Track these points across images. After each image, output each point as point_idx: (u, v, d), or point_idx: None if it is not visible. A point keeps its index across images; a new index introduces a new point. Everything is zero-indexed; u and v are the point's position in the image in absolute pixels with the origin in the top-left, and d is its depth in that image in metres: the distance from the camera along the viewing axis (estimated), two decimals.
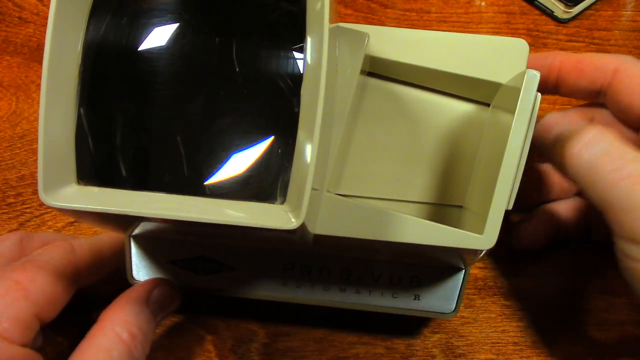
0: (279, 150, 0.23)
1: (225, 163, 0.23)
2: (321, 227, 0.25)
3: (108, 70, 0.23)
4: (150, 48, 0.23)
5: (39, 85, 0.42)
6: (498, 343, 0.35)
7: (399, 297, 0.30)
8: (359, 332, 0.35)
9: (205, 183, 0.23)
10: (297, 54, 0.23)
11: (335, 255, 0.30)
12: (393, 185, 0.30)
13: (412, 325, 0.35)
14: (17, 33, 0.42)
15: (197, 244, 0.30)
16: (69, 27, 0.22)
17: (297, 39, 0.23)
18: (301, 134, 0.22)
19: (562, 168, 0.26)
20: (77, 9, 0.22)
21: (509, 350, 0.34)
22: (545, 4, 0.45)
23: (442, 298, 0.30)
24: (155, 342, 0.34)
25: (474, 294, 0.36)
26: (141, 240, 0.30)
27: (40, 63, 0.42)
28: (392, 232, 0.25)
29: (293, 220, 0.20)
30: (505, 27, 0.44)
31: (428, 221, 0.25)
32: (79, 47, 0.23)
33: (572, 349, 0.34)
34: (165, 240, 0.30)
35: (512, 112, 0.25)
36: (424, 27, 0.44)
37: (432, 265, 0.30)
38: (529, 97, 0.24)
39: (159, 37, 0.23)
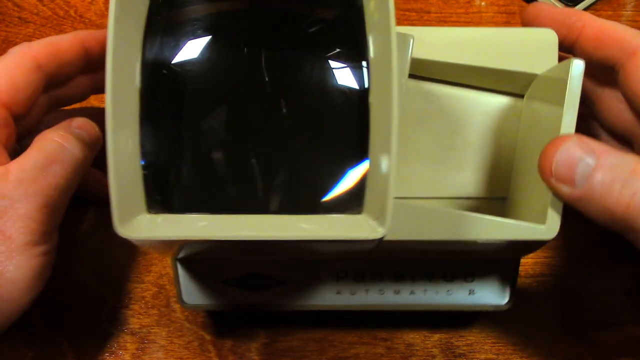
0: (351, 161, 0.22)
1: (296, 178, 0.23)
2: (394, 232, 0.24)
3: (168, 91, 0.22)
4: (209, 67, 0.22)
5: None
6: (498, 343, 0.35)
7: (453, 293, 0.30)
8: (359, 332, 0.35)
9: (276, 200, 0.22)
10: (360, 62, 0.22)
11: (388, 258, 0.30)
12: (435, 183, 0.30)
13: (412, 325, 0.35)
14: (17, 33, 0.42)
15: (246, 262, 0.30)
16: (128, 47, 0.21)
17: (354, 46, 0.22)
18: (374, 142, 0.22)
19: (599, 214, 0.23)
20: (134, 29, 0.21)
21: (509, 350, 0.34)
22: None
23: (496, 291, 0.30)
24: (155, 341, 0.34)
25: None
26: (188, 263, 0.30)
27: None
28: (461, 231, 0.25)
29: (379, 229, 0.20)
30: (505, 27, 0.44)
31: (493, 217, 0.25)
32: (138, 69, 0.21)
33: (572, 349, 0.34)
34: (213, 261, 0.30)
35: (553, 102, 0.24)
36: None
37: (484, 259, 0.30)
38: (577, 87, 0.24)
39: (217, 55, 0.23)
